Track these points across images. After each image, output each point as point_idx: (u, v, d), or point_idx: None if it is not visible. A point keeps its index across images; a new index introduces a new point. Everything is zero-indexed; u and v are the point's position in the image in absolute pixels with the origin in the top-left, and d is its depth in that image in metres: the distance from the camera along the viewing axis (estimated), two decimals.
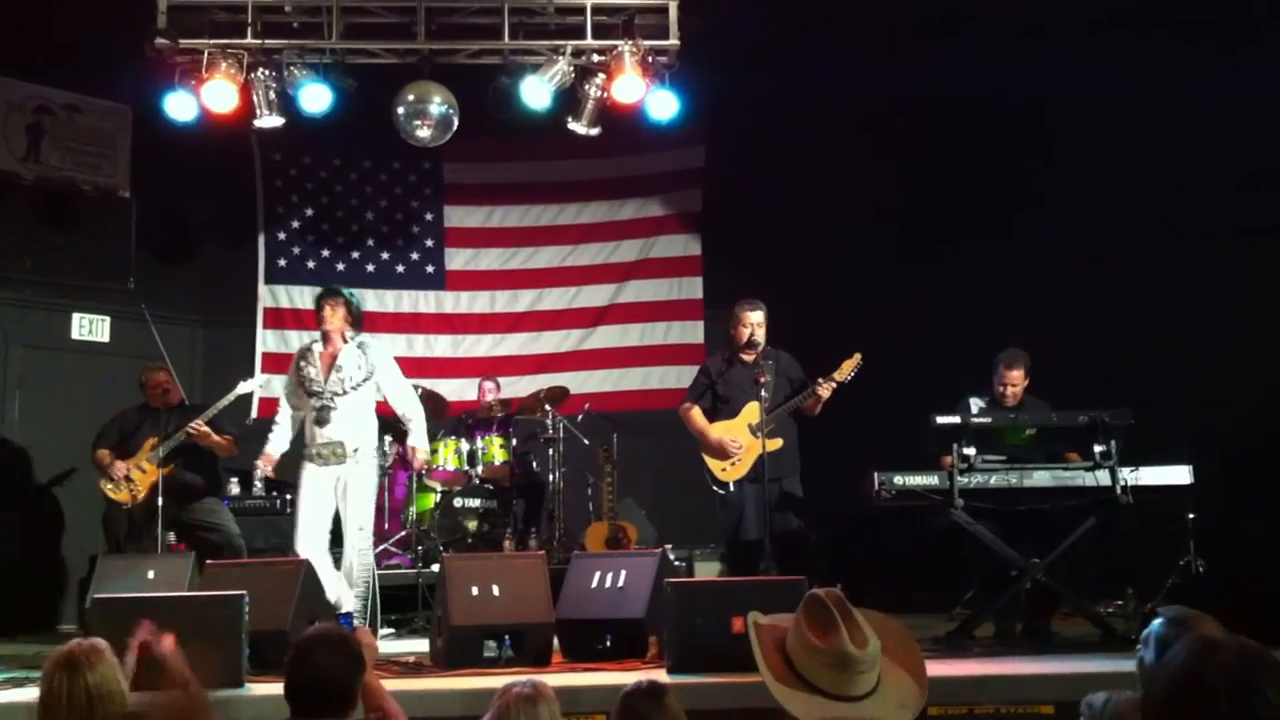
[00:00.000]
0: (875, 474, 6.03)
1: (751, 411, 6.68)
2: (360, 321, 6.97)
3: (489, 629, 5.41)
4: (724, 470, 6.72)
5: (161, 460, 7.35)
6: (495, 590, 5.54)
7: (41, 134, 8.93)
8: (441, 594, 5.67)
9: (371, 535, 6.79)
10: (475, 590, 5.56)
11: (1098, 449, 5.99)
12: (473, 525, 8.53)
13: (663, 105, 8.01)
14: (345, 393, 6.70)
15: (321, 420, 6.67)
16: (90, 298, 9.13)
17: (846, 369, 6.66)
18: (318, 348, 6.87)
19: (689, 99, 8.01)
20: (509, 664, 5.33)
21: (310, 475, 6.68)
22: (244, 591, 5.13)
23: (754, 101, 8.92)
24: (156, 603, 5.25)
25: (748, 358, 6.83)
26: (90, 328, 9.14)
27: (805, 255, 9.08)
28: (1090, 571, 6.39)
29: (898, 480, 6.03)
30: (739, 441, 6.69)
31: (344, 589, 6.57)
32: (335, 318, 6.80)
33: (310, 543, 6.57)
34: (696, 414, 6.87)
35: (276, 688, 4.84)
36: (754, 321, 6.84)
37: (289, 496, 8.44)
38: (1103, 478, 5.98)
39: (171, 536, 7.40)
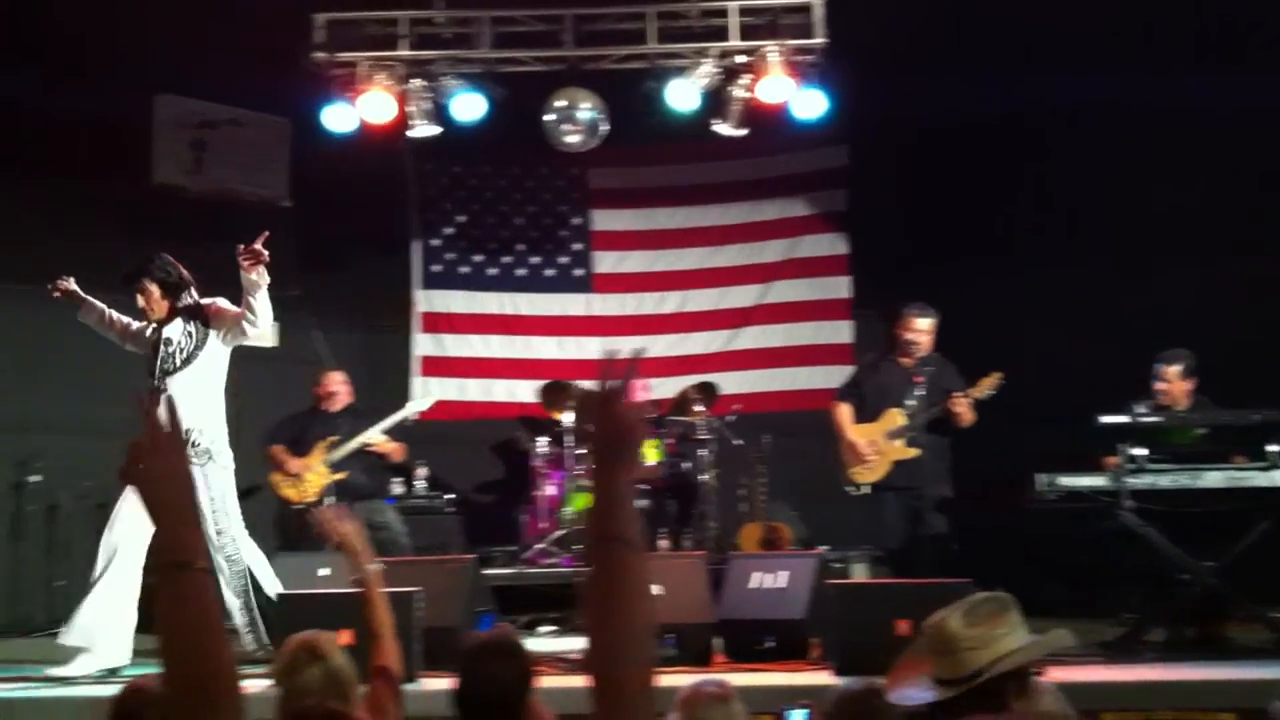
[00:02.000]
0: (1037, 475, 5.93)
1: (891, 418, 6.65)
2: (179, 285, 6.08)
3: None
4: (856, 472, 6.73)
5: (334, 465, 7.63)
6: (658, 589, 5.61)
7: (204, 148, 9.28)
8: None
9: (234, 539, 6.05)
10: None
11: (1272, 449, 5.80)
12: None
13: (809, 104, 8.01)
14: (176, 369, 5.94)
15: None
16: None
17: (985, 386, 6.58)
18: (144, 325, 6.12)
19: (834, 97, 7.99)
20: (671, 664, 5.38)
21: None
22: (419, 588, 5.30)
23: (900, 99, 8.82)
24: (336, 599, 5.44)
25: (905, 362, 6.78)
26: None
27: (949, 256, 8.97)
28: (1261, 576, 6.19)
29: (1062, 481, 5.91)
30: (875, 444, 6.65)
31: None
32: (150, 301, 6.01)
33: (121, 564, 5.78)
34: (843, 411, 6.87)
35: (447, 684, 5.02)
36: (921, 328, 6.78)
37: (451, 496, 8.70)
38: (1278, 478, 5.79)
39: None
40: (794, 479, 8.56)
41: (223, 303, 6.08)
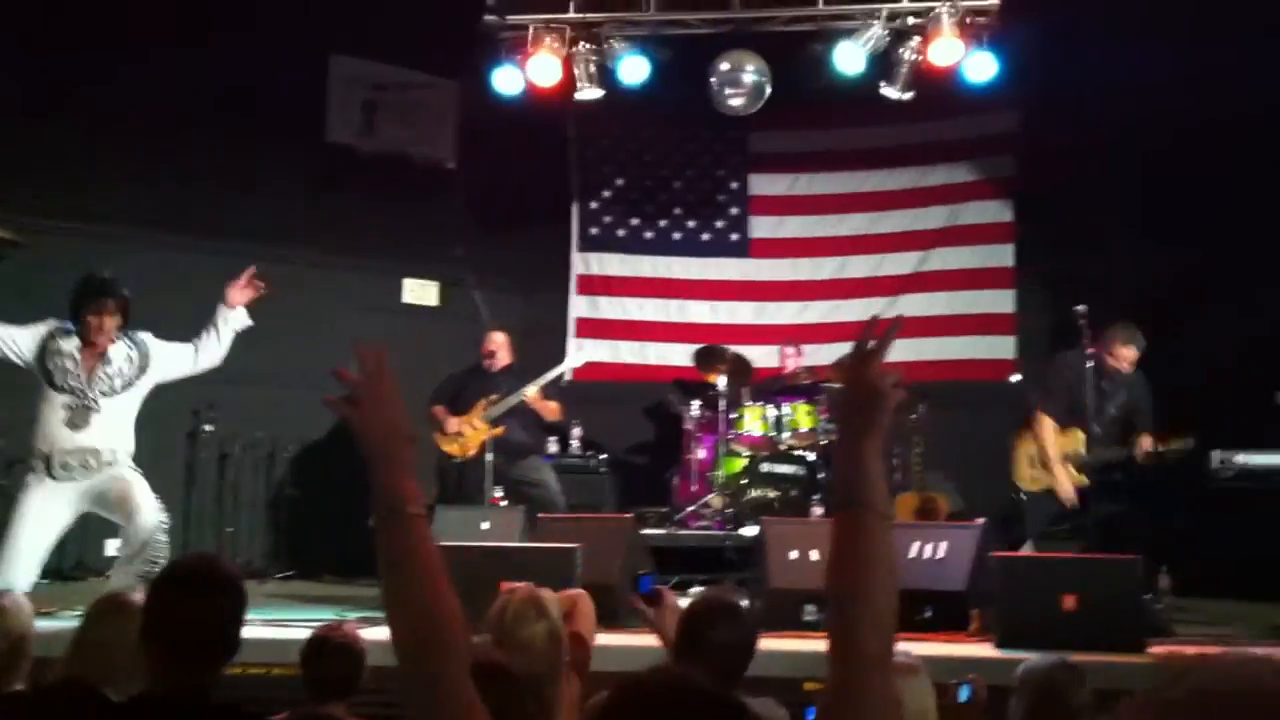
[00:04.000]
0: (1214, 452, 5.74)
1: (1074, 439, 6.48)
2: (128, 310, 5.88)
3: (809, 593, 5.47)
4: (1033, 480, 6.58)
5: (493, 421, 7.80)
6: (814, 555, 5.60)
7: (376, 109, 9.50)
8: (760, 556, 5.77)
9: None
10: (794, 554, 5.63)
11: None
12: (773, 493, 8.59)
13: (980, 68, 7.80)
14: (113, 392, 5.77)
15: (76, 423, 5.66)
16: (420, 264, 9.69)
17: (1174, 446, 6.22)
18: (74, 342, 5.79)
19: (1005, 60, 7.77)
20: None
21: (43, 493, 5.59)
22: (578, 544, 5.38)
23: (1075, 66, 8.56)
24: (498, 552, 5.58)
25: (1105, 370, 6.50)
26: (420, 293, 9.70)
27: (1121, 228, 8.70)
28: None
29: (1239, 459, 5.71)
30: (1061, 466, 6.46)
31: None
32: (107, 326, 5.78)
33: (23, 573, 5.42)
34: (1048, 428, 6.58)
35: (606, 638, 5.10)
36: (1128, 357, 6.48)
37: (604, 456, 8.80)
38: None
39: (497, 491, 7.81)
40: (950, 450, 8.42)
41: (164, 347, 5.99)
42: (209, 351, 5.97)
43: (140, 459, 6.11)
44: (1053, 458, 6.47)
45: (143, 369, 5.85)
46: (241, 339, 8.40)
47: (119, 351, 5.81)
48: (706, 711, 1.65)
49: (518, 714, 2.79)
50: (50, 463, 5.64)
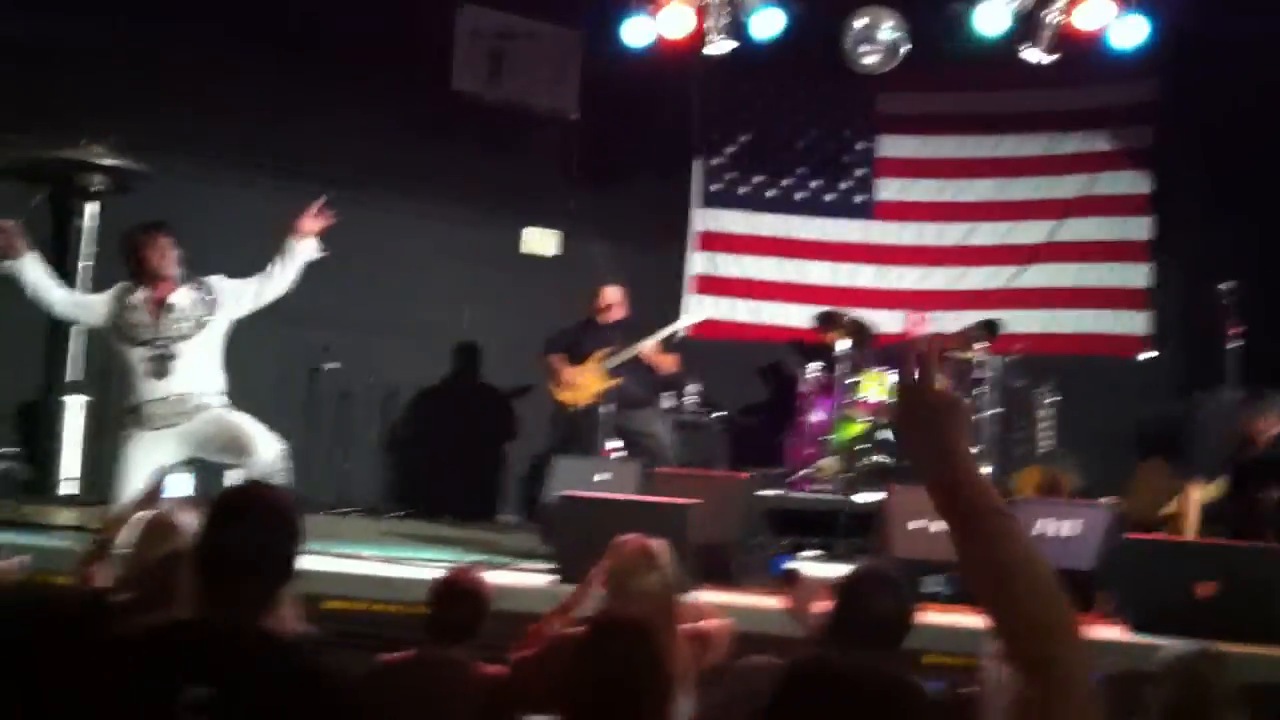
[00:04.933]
0: None
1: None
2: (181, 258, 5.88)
3: (931, 564, 5.36)
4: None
5: (610, 371, 7.79)
6: (939, 525, 5.47)
7: (502, 58, 9.47)
8: (881, 524, 5.67)
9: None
10: (916, 523, 5.52)
11: None
12: (890, 461, 8.44)
13: (1128, 32, 7.53)
14: (187, 335, 5.76)
15: (158, 372, 5.68)
16: (539, 215, 9.68)
17: None
18: (142, 293, 5.79)
19: (1156, 25, 7.48)
20: (949, 601, 5.25)
21: (142, 447, 5.60)
22: (696, 500, 5.33)
23: (1221, 31, 8.19)
24: (616, 504, 5.56)
25: None
26: (540, 243, 9.70)
27: (1266, 203, 8.35)
28: None
29: None
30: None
31: None
32: (166, 259, 5.77)
33: None
34: (1194, 503, 6.31)
35: (719, 597, 5.06)
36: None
37: (718, 414, 8.73)
38: None
39: (612, 443, 7.79)
40: (1077, 427, 8.19)
41: (230, 282, 5.96)
42: (276, 280, 5.93)
43: (260, 395, 6.19)
44: (1190, 526, 6.20)
45: (212, 307, 5.82)
46: (360, 285, 8.54)
47: (184, 295, 5.80)
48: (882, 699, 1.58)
49: (648, 668, 2.76)
50: (140, 415, 5.68)
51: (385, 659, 3.56)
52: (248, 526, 2.50)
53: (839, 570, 6.44)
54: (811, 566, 6.33)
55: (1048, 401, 8.03)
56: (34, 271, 5.73)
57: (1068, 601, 1.58)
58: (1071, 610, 1.60)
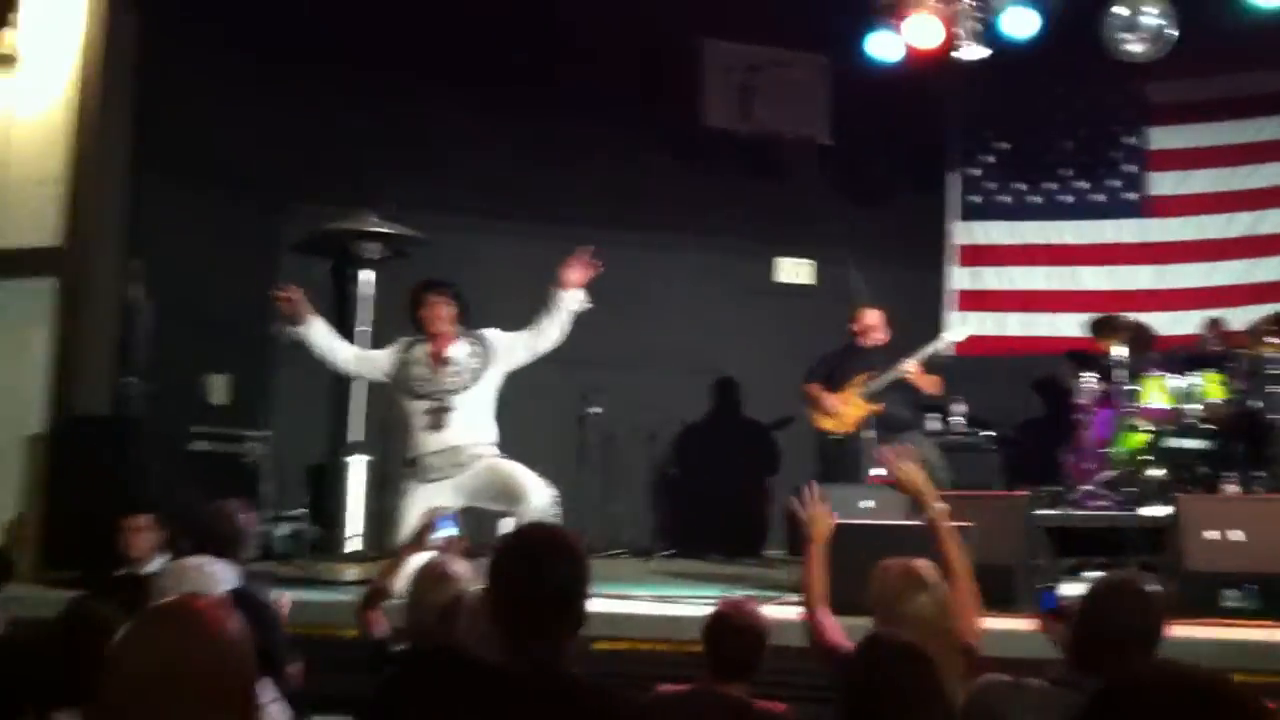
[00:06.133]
0: None
1: None
2: (466, 311, 6.13)
3: (1231, 576, 4.96)
4: None
5: (871, 396, 7.62)
6: (1238, 535, 5.07)
7: (753, 92, 9.42)
8: (1174, 537, 5.29)
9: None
10: (1212, 534, 5.12)
11: None
12: (1179, 470, 7.89)
13: None
14: (464, 388, 5.97)
15: (437, 425, 5.91)
16: (794, 243, 9.61)
17: None
18: (421, 347, 6.08)
19: None
20: (1255, 616, 4.85)
21: (420, 498, 5.73)
22: (971, 523, 5.10)
23: None
24: (883, 530, 5.40)
25: None
26: (794, 272, 9.63)
27: None
28: None
29: None
30: None
31: None
32: (441, 318, 6.01)
33: None
34: None
35: (1001, 623, 4.82)
36: None
37: (990, 433, 8.39)
38: None
39: (877, 470, 7.60)
40: None
41: (504, 336, 6.14)
42: (548, 333, 6.08)
43: (531, 444, 6.36)
44: None
45: (487, 361, 6.01)
46: (620, 324, 8.68)
47: (461, 349, 6.02)
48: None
49: (922, 694, 2.67)
50: (420, 466, 5.91)
51: (662, 690, 3.54)
52: (547, 567, 2.48)
53: None
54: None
55: None
56: (320, 333, 6.08)
57: None
58: None
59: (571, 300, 6.09)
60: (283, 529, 7.40)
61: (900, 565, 3.53)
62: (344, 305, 7.89)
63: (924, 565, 3.47)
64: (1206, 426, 7.74)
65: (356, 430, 7.64)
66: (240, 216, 8.17)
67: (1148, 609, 2.89)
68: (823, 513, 3.91)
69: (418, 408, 5.97)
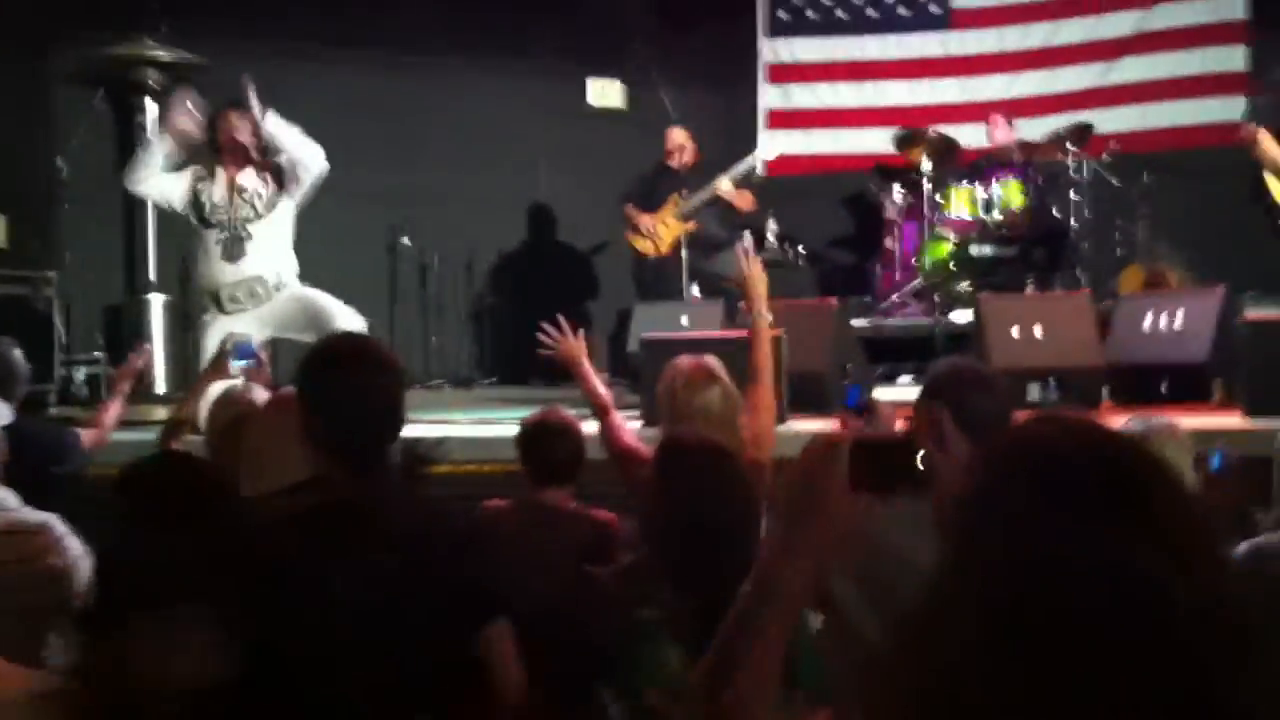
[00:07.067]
0: None
1: None
2: (265, 148, 5.72)
3: (1033, 371, 5.16)
4: None
5: (686, 216, 7.58)
6: (1037, 331, 5.26)
7: None
8: (978, 337, 5.46)
9: None
10: (1016, 331, 5.30)
11: None
12: (984, 277, 8.16)
13: None
14: (259, 216, 5.69)
15: (232, 255, 5.65)
16: (602, 64, 9.39)
17: None
18: (216, 175, 5.73)
19: None
20: (1054, 408, 5.06)
21: (221, 329, 5.45)
22: (780, 331, 5.16)
23: None
24: (699, 343, 5.40)
25: None
26: (604, 93, 9.44)
27: None
28: None
29: None
30: None
31: None
32: (240, 125, 5.63)
33: None
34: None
35: (813, 425, 4.94)
36: None
37: (801, 249, 8.49)
38: None
39: (695, 289, 7.63)
40: (1179, 220, 7.82)
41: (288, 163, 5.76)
42: (299, 159, 5.68)
43: (341, 277, 6.13)
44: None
45: (280, 186, 5.71)
46: (426, 151, 8.40)
47: (252, 178, 5.71)
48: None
49: (729, 487, 2.62)
50: (219, 299, 5.66)
51: (488, 505, 3.47)
52: (366, 374, 2.29)
53: None
54: (901, 392, 6.16)
55: (1149, 197, 7.67)
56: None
57: None
58: None
59: (271, 125, 5.63)
60: (80, 373, 7.02)
61: (690, 360, 3.48)
62: (127, 137, 7.42)
63: (712, 360, 3.44)
64: (1006, 234, 8.00)
65: (152, 269, 7.26)
66: (1, 50, 7.51)
67: (999, 392, 2.90)
68: (572, 343, 3.94)
69: (210, 237, 5.68)
